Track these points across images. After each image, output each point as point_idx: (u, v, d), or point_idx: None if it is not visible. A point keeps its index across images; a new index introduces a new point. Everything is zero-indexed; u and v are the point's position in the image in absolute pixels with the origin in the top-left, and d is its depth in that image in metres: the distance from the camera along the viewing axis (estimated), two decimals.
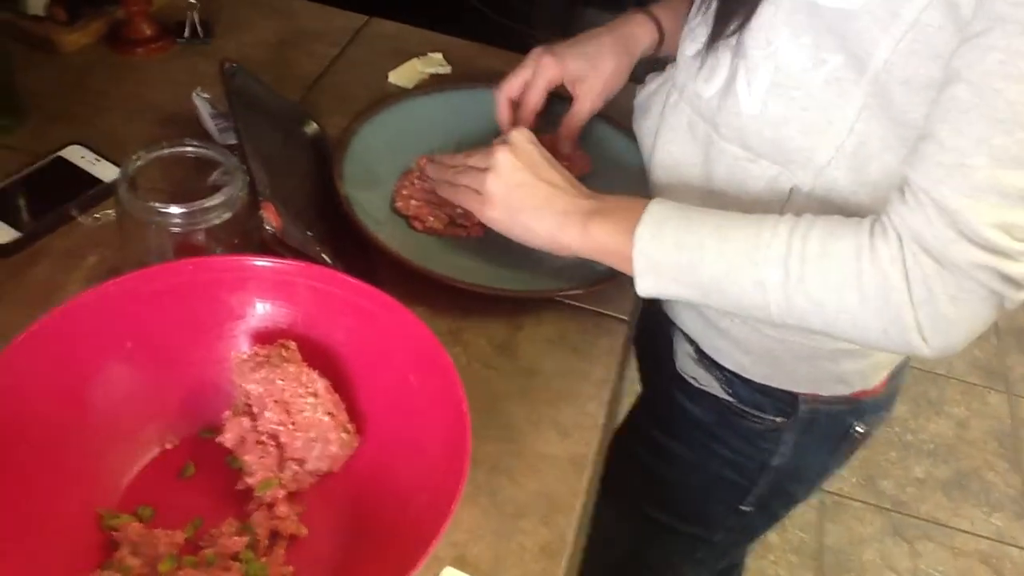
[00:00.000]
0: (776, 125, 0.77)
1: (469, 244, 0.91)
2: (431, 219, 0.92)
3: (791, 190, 0.78)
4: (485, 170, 0.81)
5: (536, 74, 0.95)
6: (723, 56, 0.80)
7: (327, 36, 1.18)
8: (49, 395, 0.65)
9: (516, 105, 0.98)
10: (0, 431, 0.61)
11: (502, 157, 0.81)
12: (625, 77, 0.98)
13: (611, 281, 0.86)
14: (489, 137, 1.00)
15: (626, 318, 0.89)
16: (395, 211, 0.93)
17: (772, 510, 1.08)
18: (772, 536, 1.98)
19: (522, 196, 0.80)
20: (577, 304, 0.89)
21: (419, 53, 1.15)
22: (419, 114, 1.02)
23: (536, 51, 0.96)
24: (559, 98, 0.98)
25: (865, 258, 0.68)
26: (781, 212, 0.75)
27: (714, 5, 0.79)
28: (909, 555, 2.06)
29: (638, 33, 0.97)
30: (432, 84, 1.11)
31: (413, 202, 0.93)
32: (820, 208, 0.76)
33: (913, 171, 0.67)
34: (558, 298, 0.88)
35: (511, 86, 0.96)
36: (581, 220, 0.78)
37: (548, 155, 0.83)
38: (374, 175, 0.95)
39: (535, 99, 0.96)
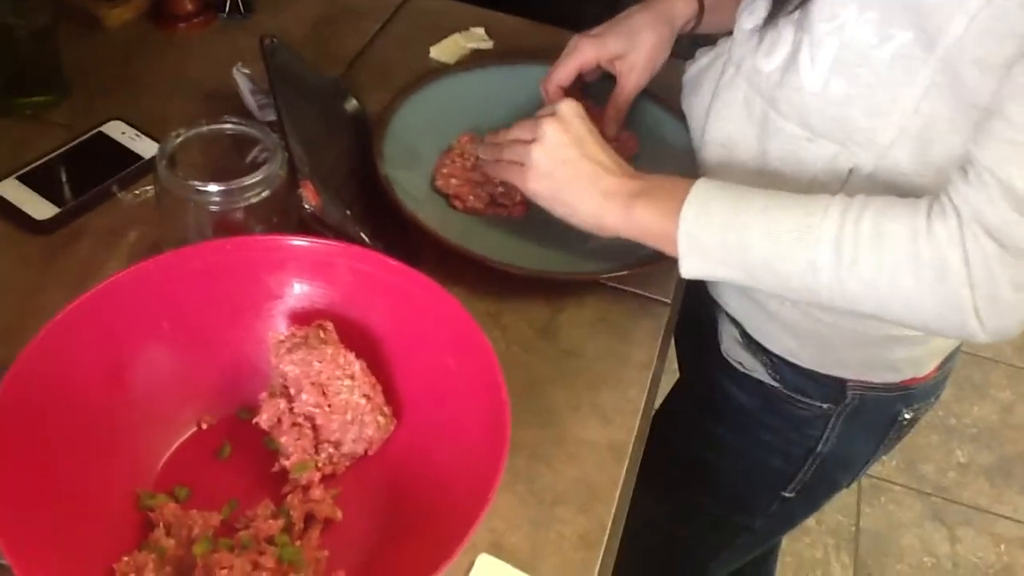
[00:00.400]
0: (839, 103, 0.75)
1: (510, 224, 0.90)
2: (471, 198, 0.91)
3: (851, 171, 0.76)
4: (530, 142, 0.80)
5: (570, 54, 0.94)
6: (785, 30, 0.77)
7: (369, 11, 1.16)
8: (88, 373, 0.65)
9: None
10: (39, 409, 0.61)
11: (549, 129, 0.79)
12: (667, 50, 0.95)
13: (655, 263, 0.84)
14: (532, 114, 0.98)
15: (669, 301, 0.87)
16: (435, 190, 0.92)
17: (815, 497, 1.07)
18: (809, 519, 1.96)
19: (566, 172, 0.79)
20: (619, 286, 0.87)
21: (461, 28, 1.14)
22: (460, 91, 1.00)
23: (574, 38, 0.95)
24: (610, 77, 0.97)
25: (922, 239, 0.66)
26: (840, 193, 0.73)
27: None
28: (948, 540, 2.02)
29: (677, 5, 0.95)
30: (474, 59, 1.09)
31: (454, 181, 0.92)
32: (880, 190, 0.74)
33: (978, 149, 0.65)
34: (601, 280, 0.86)
35: (556, 77, 0.95)
36: (625, 201, 0.77)
37: (595, 130, 0.81)
38: (414, 153, 0.93)
39: (562, 75, 0.94)
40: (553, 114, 0.80)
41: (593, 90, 0.98)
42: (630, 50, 0.93)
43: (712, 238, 0.73)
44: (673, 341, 1.09)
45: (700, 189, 0.74)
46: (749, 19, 0.82)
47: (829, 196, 0.71)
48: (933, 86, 0.70)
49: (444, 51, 1.10)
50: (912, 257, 0.66)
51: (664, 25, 0.94)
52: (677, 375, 1.14)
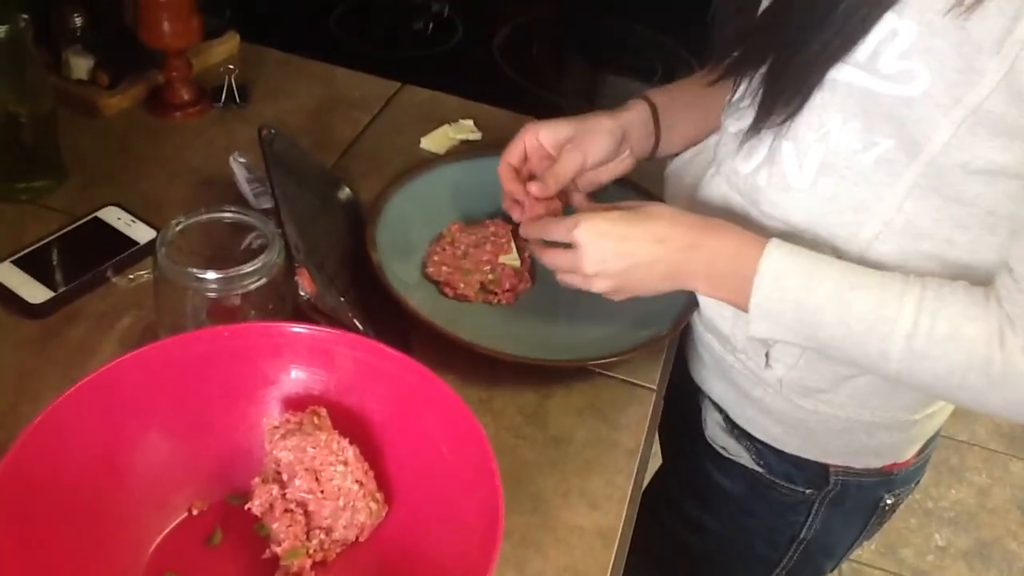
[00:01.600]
0: (826, 199, 0.77)
1: (500, 311, 0.92)
2: (462, 285, 0.93)
3: None
4: (576, 275, 0.82)
5: (520, 134, 0.92)
6: (764, 136, 0.80)
7: (361, 102, 1.20)
8: (82, 459, 0.65)
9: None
10: (32, 495, 0.61)
11: (589, 268, 0.80)
12: (611, 151, 0.93)
13: (641, 351, 0.86)
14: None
15: (655, 387, 0.89)
16: (426, 277, 0.94)
17: None
18: None
19: (630, 284, 0.81)
20: (607, 373, 0.89)
21: (451, 119, 1.17)
22: (450, 180, 1.03)
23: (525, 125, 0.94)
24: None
25: (995, 346, 0.69)
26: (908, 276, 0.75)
27: (761, 89, 0.79)
28: None
29: (628, 116, 0.94)
30: (463, 150, 1.13)
31: (444, 268, 0.94)
32: None
33: (1020, 264, 0.69)
34: (589, 367, 0.88)
35: (508, 158, 0.93)
36: (695, 275, 0.79)
37: (621, 229, 0.79)
38: (406, 241, 0.96)
39: (512, 154, 0.92)
40: (577, 248, 0.79)
41: None
42: (574, 135, 0.92)
43: (785, 313, 0.75)
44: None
45: (771, 260, 0.75)
46: (735, 123, 0.85)
47: (904, 279, 0.73)
48: (916, 187, 0.73)
49: (434, 142, 1.13)
50: (985, 362, 0.69)
51: (614, 126, 0.93)
52: (659, 461, 1.15)
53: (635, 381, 0.89)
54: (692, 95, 0.97)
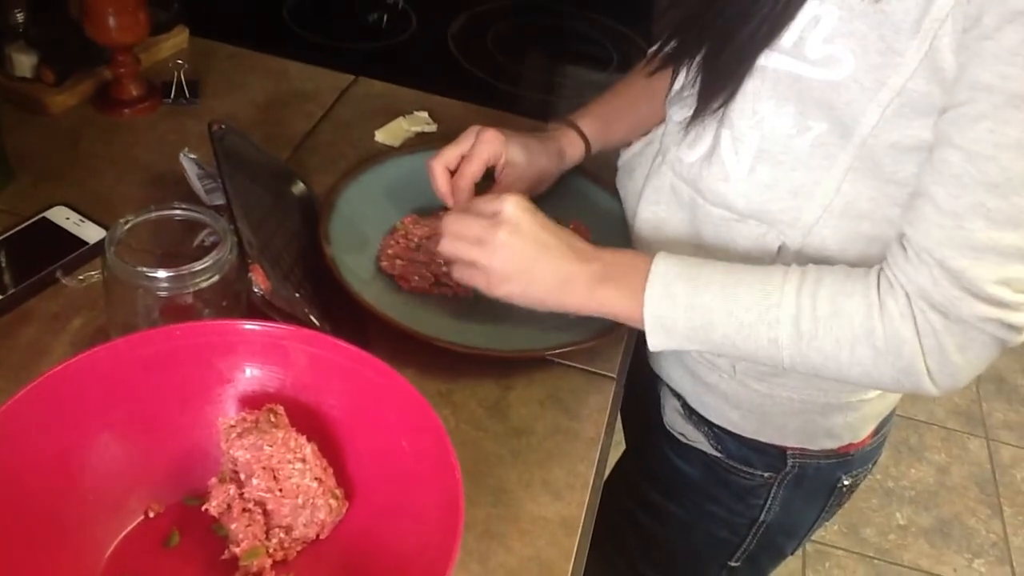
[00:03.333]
0: (764, 187, 0.78)
1: (457, 303, 0.91)
2: (416, 279, 0.92)
3: (779, 248, 0.79)
4: (481, 243, 0.79)
5: (480, 145, 0.92)
6: (708, 125, 0.81)
7: (314, 95, 1.19)
8: (34, 462, 0.64)
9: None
10: None
11: (502, 235, 0.78)
12: (550, 182, 0.99)
13: (600, 339, 0.87)
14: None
15: (615, 376, 0.89)
16: (381, 271, 0.93)
17: (761, 565, 1.08)
18: None
19: (527, 274, 0.79)
20: (567, 363, 0.89)
21: (405, 111, 1.16)
22: (405, 173, 1.02)
23: (476, 127, 0.93)
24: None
25: (875, 315, 0.71)
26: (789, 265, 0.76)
27: (696, 77, 0.81)
28: None
29: (568, 152, 0.99)
30: (418, 142, 1.12)
31: (399, 261, 0.94)
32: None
33: (913, 230, 0.70)
34: (548, 357, 0.88)
35: (449, 156, 0.93)
36: (586, 285, 0.79)
37: (545, 220, 0.80)
38: (360, 235, 0.95)
39: (474, 169, 0.91)
40: (499, 215, 0.78)
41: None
42: (523, 164, 0.94)
43: (677, 318, 0.76)
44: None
45: (660, 269, 0.77)
46: (679, 112, 0.86)
47: (784, 270, 0.75)
48: (852, 169, 0.74)
49: (389, 134, 1.13)
50: (868, 332, 0.71)
51: (556, 163, 0.98)
52: (623, 446, 1.15)
53: (595, 370, 0.89)
54: (635, 94, 0.99)
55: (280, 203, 0.96)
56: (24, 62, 1.07)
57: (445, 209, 0.99)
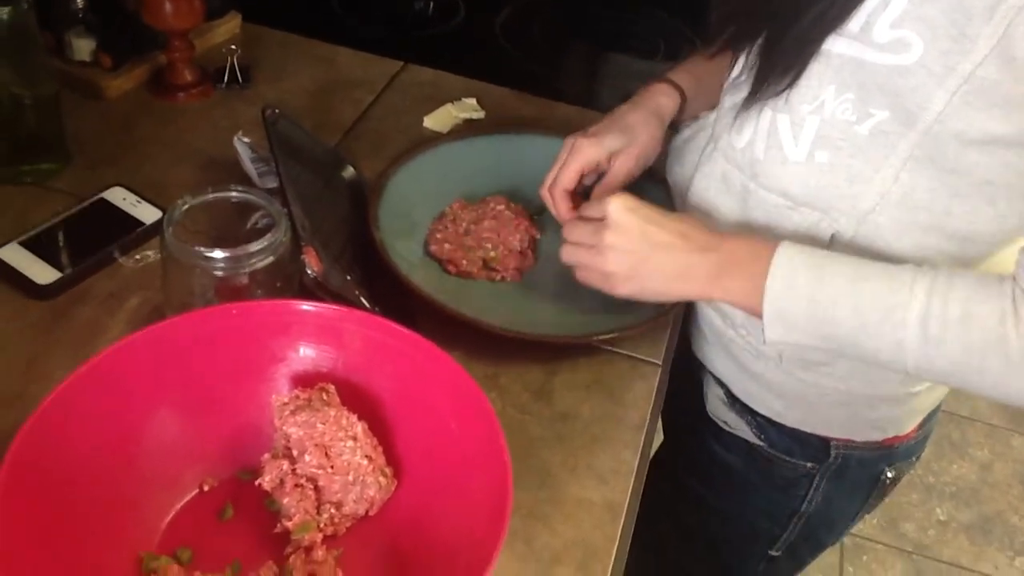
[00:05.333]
0: (822, 172, 0.78)
1: (504, 288, 0.92)
2: (465, 263, 0.93)
3: (832, 236, 0.79)
4: (592, 248, 0.80)
5: (573, 154, 0.92)
6: (761, 109, 0.80)
7: (364, 82, 1.20)
8: (94, 437, 0.66)
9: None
10: (45, 473, 0.62)
11: (610, 237, 0.78)
12: (659, 144, 0.96)
13: (646, 326, 0.87)
14: (522, 183, 1.01)
15: (660, 363, 0.90)
16: (429, 255, 0.95)
17: (800, 556, 1.08)
18: None
19: (644, 270, 0.79)
20: (612, 349, 0.89)
21: (453, 98, 1.17)
22: (453, 159, 1.03)
23: (569, 138, 0.93)
24: None
25: (1010, 323, 0.68)
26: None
27: (756, 61, 0.80)
28: None
29: (663, 102, 0.96)
30: (466, 129, 1.13)
31: (447, 246, 0.95)
32: (860, 255, 0.77)
33: None
34: (593, 343, 0.88)
35: (563, 180, 0.92)
36: (707, 275, 0.78)
37: (653, 214, 0.80)
38: (409, 219, 0.96)
39: (567, 179, 0.92)
40: (606, 219, 0.79)
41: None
42: (626, 146, 0.93)
43: (798, 312, 0.74)
44: None
45: (784, 258, 0.75)
46: (731, 98, 0.85)
47: (913, 269, 0.72)
48: (911, 158, 0.74)
49: (437, 121, 1.14)
50: (1001, 341, 0.68)
51: (655, 120, 0.95)
52: (661, 436, 1.16)
53: (640, 356, 0.90)
54: (703, 71, 0.97)
55: (330, 188, 0.97)
56: (83, 47, 1.09)
57: (493, 195, 1.00)
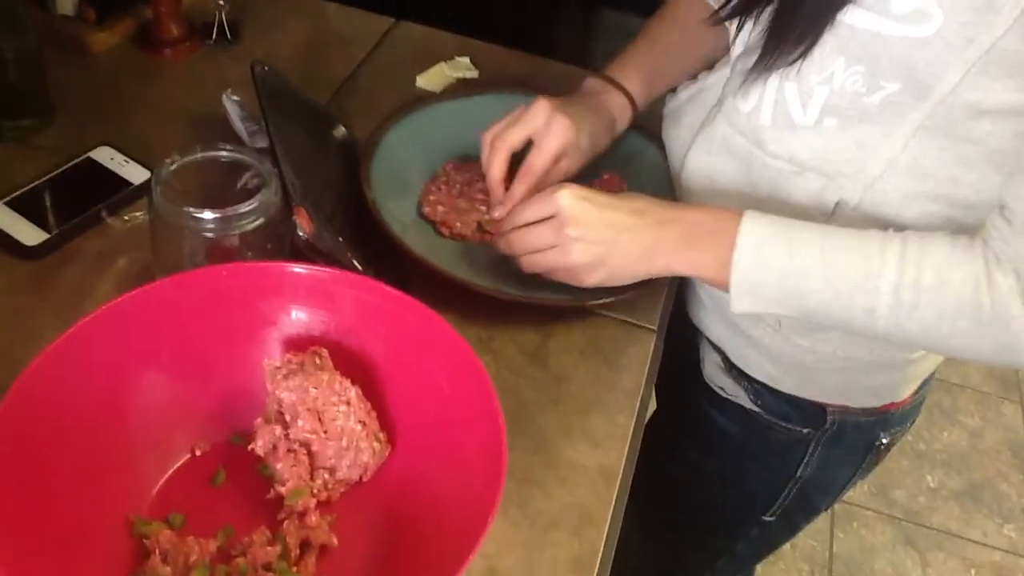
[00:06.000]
0: (830, 137, 0.76)
1: (498, 251, 0.91)
2: (458, 225, 0.92)
3: (837, 203, 0.78)
4: (554, 248, 0.79)
5: (550, 139, 0.87)
6: (768, 76, 0.78)
7: (355, 39, 1.17)
8: (84, 399, 0.65)
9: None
10: (35, 434, 0.61)
11: (570, 231, 0.77)
12: (601, 146, 0.94)
13: (640, 290, 0.86)
14: None
15: (655, 328, 0.89)
16: (422, 216, 0.93)
17: (794, 521, 1.08)
18: (784, 544, 1.98)
19: (610, 256, 0.78)
20: (607, 314, 0.88)
21: (446, 57, 1.15)
22: (446, 119, 1.01)
23: (543, 105, 0.88)
24: None
25: (983, 288, 0.68)
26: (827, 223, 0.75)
27: (767, 28, 0.77)
28: (920, 565, 2.05)
29: (619, 122, 0.95)
30: (460, 88, 1.11)
31: (440, 208, 0.93)
32: (866, 222, 0.76)
33: (1018, 203, 0.68)
34: (588, 307, 0.87)
35: (515, 138, 0.88)
36: (672, 248, 0.77)
37: (602, 198, 0.79)
38: (402, 180, 0.94)
39: (545, 160, 0.87)
40: (560, 214, 0.77)
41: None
42: (586, 152, 0.91)
43: (768, 283, 0.74)
44: None
45: (750, 230, 0.74)
46: (742, 64, 0.83)
47: (883, 235, 0.72)
48: (922, 128, 0.72)
49: (430, 80, 1.11)
50: (975, 306, 0.69)
51: (608, 138, 0.94)
52: (654, 403, 1.15)
53: (635, 322, 0.89)
54: (673, 41, 0.95)
55: (321, 147, 0.95)
56: (66, 0, 1.06)
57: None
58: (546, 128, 0.87)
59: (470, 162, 0.98)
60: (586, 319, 0.88)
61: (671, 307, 0.94)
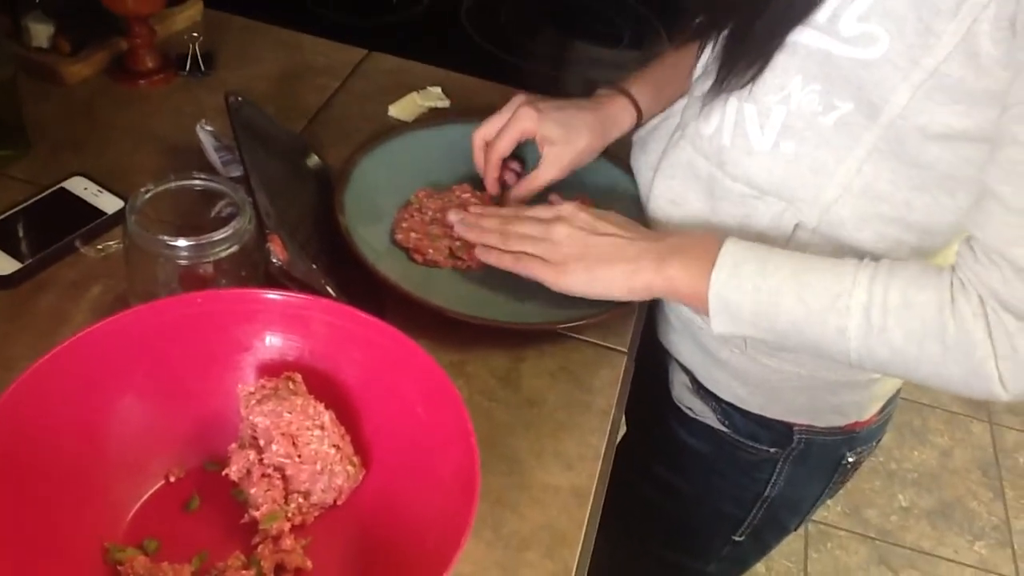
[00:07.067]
0: (787, 162, 0.79)
1: (470, 276, 0.92)
2: (431, 251, 0.93)
3: (796, 226, 0.80)
4: (542, 239, 0.83)
5: (511, 122, 0.94)
6: (727, 98, 0.81)
7: (328, 69, 1.19)
8: (58, 426, 0.65)
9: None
10: (9, 460, 0.61)
11: (561, 228, 0.83)
12: (594, 156, 0.97)
13: (611, 313, 0.88)
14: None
15: (625, 350, 0.90)
16: (395, 243, 0.94)
17: (764, 540, 1.10)
18: (758, 566, 1.98)
19: (592, 255, 0.81)
20: (578, 336, 0.90)
21: (418, 87, 1.17)
22: (419, 147, 1.03)
23: (517, 99, 0.96)
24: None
25: (947, 312, 0.69)
26: (785, 247, 0.77)
27: (720, 51, 0.80)
28: None
29: (619, 118, 0.97)
30: (431, 118, 1.12)
31: (413, 234, 0.94)
32: (824, 244, 0.78)
33: (981, 231, 0.69)
34: (560, 330, 0.89)
35: (487, 130, 0.96)
36: (654, 263, 0.79)
37: (601, 213, 0.85)
38: (375, 207, 0.96)
39: (504, 145, 0.94)
40: (558, 215, 0.84)
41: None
42: (561, 142, 0.94)
43: (743, 301, 0.75)
44: None
45: (730, 251, 0.76)
46: (700, 87, 0.86)
47: (855, 261, 0.73)
48: (876, 150, 0.74)
49: (402, 109, 1.13)
50: (939, 329, 0.69)
51: (600, 137, 0.96)
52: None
53: (606, 344, 0.90)
54: (670, 69, 0.98)
55: (295, 176, 0.96)
56: (40, 32, 1.07)
57: (459, 183, 1.00)
58: (511, 117, 0.94)
59: (442, 190, 1.00)
60: (557, 342, 0.89)
61: (641, 330, 0.95)
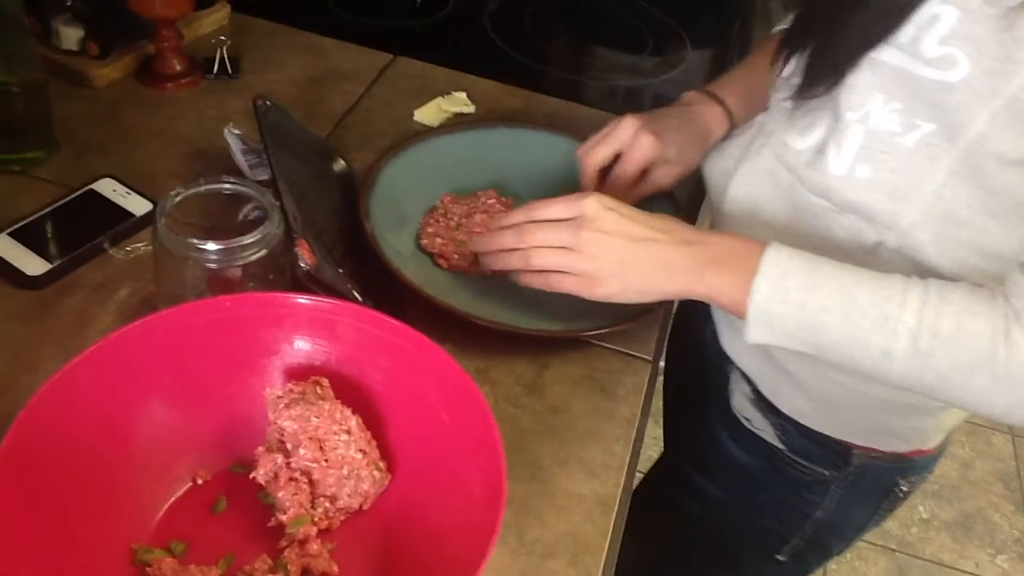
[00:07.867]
0: (863, 187, 0.76)
1: (495, 282, 0.92)
2: (456, 257, 0.93)
3: (877, 244, 0.77)
4: (568, 249, 0.77)
5: (634, 151, 0.92)
6: (822, 115, 0.79)
7: (353, 74, 1.19)
8: (88, 428, 0.65)
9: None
10: (39, 463, 0.61)
11: (588, 235, 0.76)
12: (694, 169, 0.97)
13: (636, 321, 0.87)
14: (512, 176, 1.02)
15: (650, 358, 0.90)
16: (421, 248, 0.94)
17: (806, 563, 1.06)
18: None
19: (627, 267, 0.77)
20: (603, 344, 0.89)
21: (443, 92, 1.17)
22: (444, 153, 1.03)
23: (630, 122, 0.93)
24: None
25: (1000, 342, 0.67)
26: (864, 263, 0.74)
27: (805, 62, 0.79)
28: None
29: (716, 131, 0.96)
30: (456, 123, 1.13)
31: (438, 240, 0.95)
32: (906, 265, 0.76)
33: None
34: (584, 338, 0.88)
35: (601, 156, 0.93)
36: (692, 269, 0.76)
37: (629, 211, 0.78)
38: (400, 212, 0.96)
39: (630, 173, 0.93)
40: (581, 217, 0.77)
41: None
42: (676, 163, 0.95)
43: (786, 315, 0.72)
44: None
45: (773, 260, 0.73)
46: (783, 96, 0.83)
47: (904, 280, 0.71)
48: (954, 174, 0.72)
49: (427, 114, 1.13)
50: (990, 358, 0.67)
51: (703, 149, 0.95)
52: (659, 427, 1.15)
53: (631, 352, 0.90)
54: (757, 76, 0.96)
55: (321, 180, 0.97)
56: (70, 35, 1.08)
57: (484, 189, 1.00)
58: (632, 142, 0.93)
59: (467, 195, 1.00)
60: (582, 349, 0.89)
61: (666, 338, 0.95)
